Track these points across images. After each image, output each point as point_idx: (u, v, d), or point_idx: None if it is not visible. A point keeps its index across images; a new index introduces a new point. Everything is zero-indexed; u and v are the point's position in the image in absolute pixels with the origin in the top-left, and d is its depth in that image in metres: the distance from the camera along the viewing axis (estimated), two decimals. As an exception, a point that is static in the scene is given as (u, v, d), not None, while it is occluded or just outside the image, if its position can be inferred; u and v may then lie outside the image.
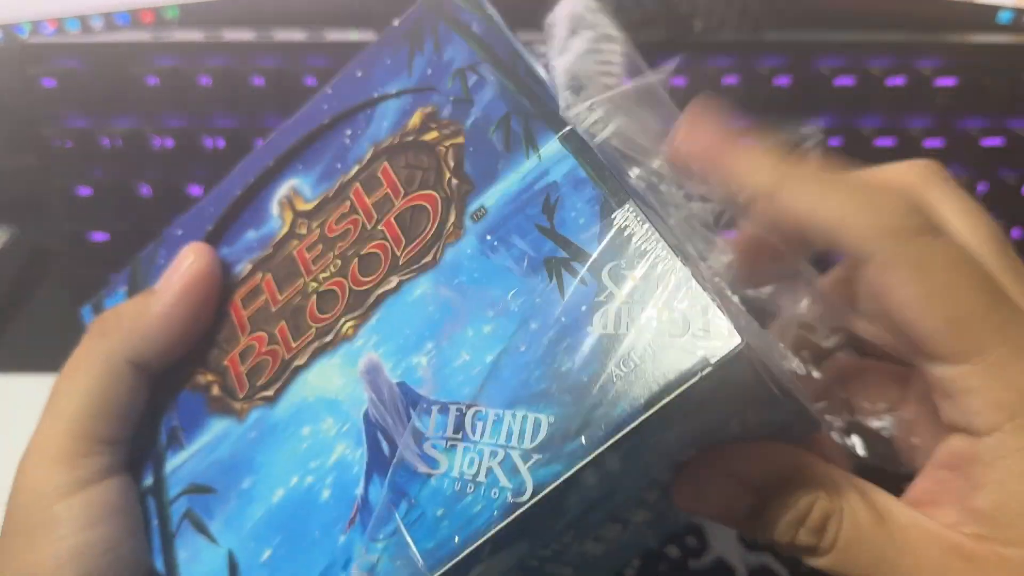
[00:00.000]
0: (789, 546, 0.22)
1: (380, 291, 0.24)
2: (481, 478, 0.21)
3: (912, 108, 0.44)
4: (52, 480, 0.25)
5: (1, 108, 0.51)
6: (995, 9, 0.46)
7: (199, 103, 0.45)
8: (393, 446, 0.22)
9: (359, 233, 0.26)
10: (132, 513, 0.26)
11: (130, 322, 0.27)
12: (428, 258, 0.24)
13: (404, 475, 0.22)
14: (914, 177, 0.24)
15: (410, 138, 0.26)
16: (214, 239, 0.29)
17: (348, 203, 0.26)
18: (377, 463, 0.22)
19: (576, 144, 0.23)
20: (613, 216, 0.21)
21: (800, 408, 0.22)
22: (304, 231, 0.27)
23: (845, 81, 0.43)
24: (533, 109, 0.24)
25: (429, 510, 0.21)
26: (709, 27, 0.44)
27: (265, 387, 0.25)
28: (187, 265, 0.27)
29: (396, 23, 0.28)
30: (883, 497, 0.22)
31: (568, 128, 0.23)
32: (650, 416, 0.19)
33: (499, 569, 0.22)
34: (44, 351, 0.32)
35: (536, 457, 0.20)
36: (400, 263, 0.24)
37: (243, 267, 0.28)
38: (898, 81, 0.44)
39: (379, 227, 0.25)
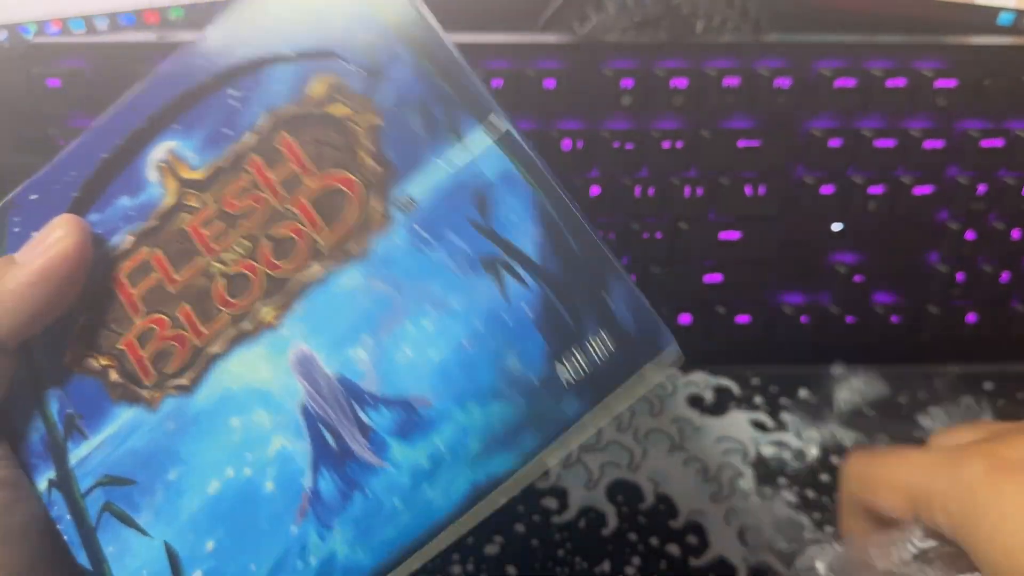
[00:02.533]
0: None
1: (302, 279, 0.24)
2: (435, 468, 0.22)
3: (912, 110, 0.44)
4: None
5: (6, 108, 0.51)
6: (996, 11, 0.46)
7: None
8: (339, 439, 0.23)
9: (267, 212, 0.25)
10: None
11: None
12: (355, 248, 0.24)
13: (355, 467, 0.22)
14: None
15: (316, 110, 0.25)
16: (82, 206, 0.26)
17: (247, 177, 0.25)
18: (324, 455, 0.23)
19: (511, 146, 0.23)
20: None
21: None
22: (196, 204, 0.25)
23: (846, 83, 0.44)
24: (455, 95, 0.23)
25: (386, 501, 0.22)
26: (710, 29, 0.44)
27: (177, 375, 0.24)
28: (55, 239, 0.24)
29: None
30: None
31: (505, 130, 0.23)
32: (596, 411, 0.22)
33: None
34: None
35: (492, 448, 0.22)
36: (322, 250, 0.24)
37: (122, 238, 0.26)
38: (898, 83, 0.44)
39: (290, 207, 0.25)
